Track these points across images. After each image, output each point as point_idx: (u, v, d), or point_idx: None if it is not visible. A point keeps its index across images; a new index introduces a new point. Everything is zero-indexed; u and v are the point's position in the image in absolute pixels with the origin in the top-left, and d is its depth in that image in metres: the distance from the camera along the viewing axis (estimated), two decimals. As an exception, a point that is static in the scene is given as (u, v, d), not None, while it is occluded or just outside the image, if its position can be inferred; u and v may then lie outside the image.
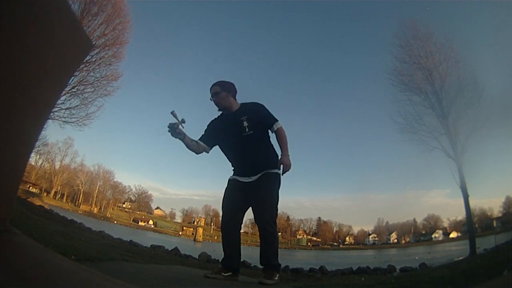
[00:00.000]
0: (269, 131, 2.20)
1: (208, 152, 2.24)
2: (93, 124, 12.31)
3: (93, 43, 10.75)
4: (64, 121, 11.59)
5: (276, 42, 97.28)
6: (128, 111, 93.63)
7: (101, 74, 11.99)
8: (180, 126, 1.97)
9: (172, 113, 1.93)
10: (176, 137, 2.01)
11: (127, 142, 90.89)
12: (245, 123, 2.12)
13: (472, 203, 10.83)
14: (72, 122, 11.76)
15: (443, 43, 11.84)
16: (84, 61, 9.80)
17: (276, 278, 2.01)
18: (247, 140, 2.11)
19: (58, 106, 10.86)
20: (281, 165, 2.07)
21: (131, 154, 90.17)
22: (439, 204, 64.36)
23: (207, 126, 2.27)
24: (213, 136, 2.21)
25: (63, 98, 11.01)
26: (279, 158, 2.12)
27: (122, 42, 12.34)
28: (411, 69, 12.14)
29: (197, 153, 2.19)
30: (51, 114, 9.89)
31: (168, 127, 1.95)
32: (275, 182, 2.11)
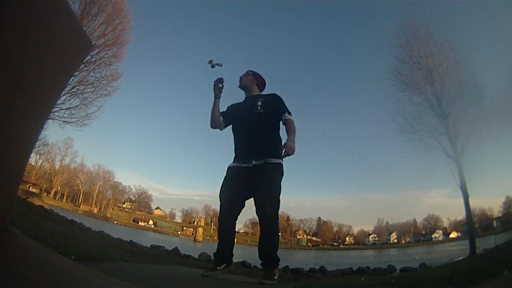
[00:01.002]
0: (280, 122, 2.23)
1: (221, 129, 2.34)
2: (93, 124, 12.29)
3: (93, 43, 10.75)
4: (64, 121, 11.58)
5: (276, 42, 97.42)
6: (128, 111, 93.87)
7: (101, 74, 11.99)
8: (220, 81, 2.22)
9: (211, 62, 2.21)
10: (214, 91, 2.23)
11: (127, 142, 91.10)
12: (259, 103, 2.24)
13: (472, 203, 10.85)
14: (72, 122, 11.75)
15: (443, 43, 11.87)
16: (84, 61, 9.80)
17: (276, 277, 2.00)
18: (258, 117, 2.18)
19: (58, 106, 10.85)
20: (284, 149, 2.01)
21: (131, 154, 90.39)
22: (439, 204, 64.36)
23: (228, 107, 2.39)
24: (230, 114, 2.33)
25: (63, 98, 11.00)
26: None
27: (122, 42, 12.34)
28: (411, 69, 12.17)
29: (213, 126, 2.30)
30: (51, 114, 9.89)
31: (215, 83, 2.22)
32: (278, 173, 2.08)
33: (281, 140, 2.20)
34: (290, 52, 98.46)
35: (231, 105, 2.41)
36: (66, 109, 11.46)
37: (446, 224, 51.70)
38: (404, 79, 12.24)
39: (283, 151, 2.02)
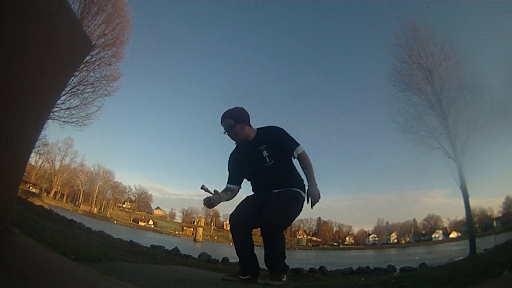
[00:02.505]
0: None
1: (240, 189, 2.17)
2: (93, 124, 12.31)
3: (93, 43, 10.75)
4: (64, 121, 11.58)
5: (276, 42, 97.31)
6: (128, 111, 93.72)
7: (101, 74, 12.00)
8: (215, 197, 1.96)
9: (202, 188, 1.95)
10: (214, 207, 2.01)
11: (127, 142, 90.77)
12: (265, 153, 2.01)
13: (472, 203, 10.86)
14: (72, 122, 11.75)
15: (443, 43, 11.88)
16: (84, 61, 9.80)
17: (284, 279, 1.92)
18: (269, 171, 2.00)
19: (58, 106, 10.85)
20: (310, 198, 1.94)
21: (131, 154, 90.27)
22: (439, 204, 64.21)
23: (229, 163, 2.20)
24: (238, 172, 2.14)
25: (63, 98, 11.00)
26: (306, 187, 2.02)
27: (122, 42, 12.34)
28: (411, 69, 12.19)
29: (233, 197, 2.14)
30: (51, 114, 9.89)
31: (204, 203, 1.95)
32: (296, 198, 1.96)
33: (298, 173, 2.08)
34: (290, 52, 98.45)
35: (230, 158, 2.20)
36: (66, 109, 11.47)
37: (446, 224, 51.68)
38: (404, 79, 12.27)
39: (309, 201, 1.94)
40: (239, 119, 2.05)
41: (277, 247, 1.91)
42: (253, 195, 2.10)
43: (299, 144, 2.06)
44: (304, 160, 2.03)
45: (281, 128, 2.11)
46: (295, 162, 2.11)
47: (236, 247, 1.97)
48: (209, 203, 1.94)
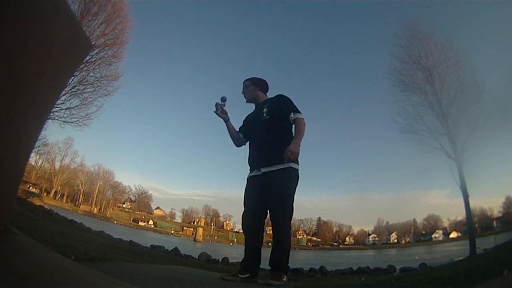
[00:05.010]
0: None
1: (245, 144, 2.38)
2: (93, 124, 12.29)
3: (93, 43, 10.75)
4: (64, 121, 11.56)
5: (276, 42, 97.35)
6: (128, 111, 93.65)
7: (101, 74, 11.98)
8: (222, 105, 2.33)
9: (222, 101, 2.34)
10: (220, 117, 2.33)
11: (127, 142, 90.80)
12: (265, 109, 2.22)
13: (472, 203, 10.84)
14: (72, 122, 11.73)
15: (443, 43, 11.85)
16: (84, 61, 9.80)
17: (284, 279, 1.95)
18: (264, 125, 2.17)
19: (58, 106, 10.84)
20: (287, 151, 1.93)
21: (131, 154, 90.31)
22: (439, 204, 64.21)
23: (244, 120, 2.45)
24: (246, 128, 2.39)
25: (63, 98, 10.99)
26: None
27: (122, 42, 12.33)
28: (411, 69, 12.15)
29: (237, 145, 2.40)
30: (51, 114, 9.89)
31: (216, 108, 2.32)
32: (288, 178, 2.02)
33: (290, 135, 2.13)
34: (290, 52, 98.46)
35: (246, 117, 2.44)
36: (66, 109, 11.45)
37: (446, 224, 51.69)
38: (404, 79, 12.24)
39: (285, 155, 1.94)
40: (254, 82, 2.40)
41: (284, 243, 1.98)
42: (252, 179, 2.17)
43: (300, 112, 2.16)
44: (297, 125, 2.11)
45: (287, 96, 2.29)
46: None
47: (246, 243, 2.09)
48: (217, 108, 2.32)
